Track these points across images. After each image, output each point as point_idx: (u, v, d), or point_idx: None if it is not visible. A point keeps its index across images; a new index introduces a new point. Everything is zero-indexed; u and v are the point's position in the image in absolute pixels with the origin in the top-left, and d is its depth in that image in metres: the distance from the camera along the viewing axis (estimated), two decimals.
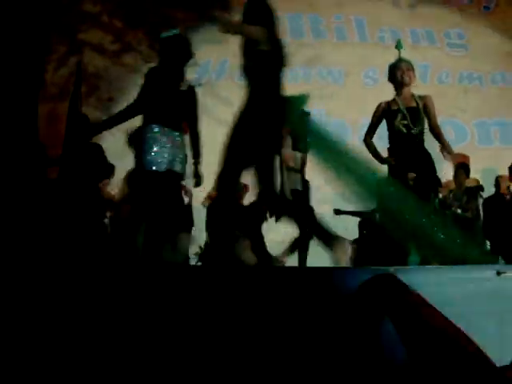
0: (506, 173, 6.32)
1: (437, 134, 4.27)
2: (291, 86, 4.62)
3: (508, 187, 6.22)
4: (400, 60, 4.43)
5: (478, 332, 2.54)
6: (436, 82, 7.94)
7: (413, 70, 4.40)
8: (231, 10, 7.70)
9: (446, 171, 6.80)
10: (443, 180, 6.50)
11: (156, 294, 2.40)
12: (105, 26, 7.48)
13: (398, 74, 4.31)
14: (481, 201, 6.28)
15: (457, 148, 7.53)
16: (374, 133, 4.53)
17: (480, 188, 6.31)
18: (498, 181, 6.34)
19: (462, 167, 6.49)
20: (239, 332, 2.38)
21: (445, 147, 4.21)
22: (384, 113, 4.40)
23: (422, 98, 4.36)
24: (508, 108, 7.85)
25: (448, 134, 7.70)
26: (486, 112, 7.82)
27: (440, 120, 7.66)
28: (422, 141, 4.32)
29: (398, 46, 4.50)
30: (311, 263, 5.32)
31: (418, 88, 7.71)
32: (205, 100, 7.40)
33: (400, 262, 4.62)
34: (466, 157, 7.11)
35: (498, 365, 2.55)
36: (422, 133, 4.32)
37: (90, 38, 7.38)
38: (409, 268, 2.73)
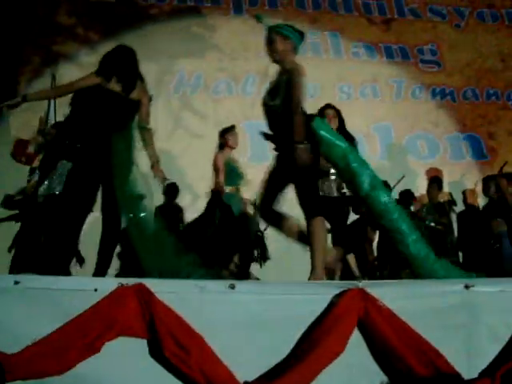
0: (476, 186, 6.41)
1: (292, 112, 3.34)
2: None
3: None
4: (267, 35, 3.66)
5: (447, 345, 2.57)
6: (410, 96, 8.05)
7: (282, 37, 3.56)
8: (212, 28, 7.77)
9: (419, 185, 6.90)
10: (416, 194, 6.60)
11: None
12: (80, 38, 7.45)
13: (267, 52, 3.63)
14: (453, 215, 6.36)
15: (429, 162, 7.68)
16: None
17: (452, 202, 6.38)
18: (464, 194, 6.43)
19: (435, 181, 6.57)
20: None
21: (294, 132, 3.32)
22: None
23: (288, 70, 3.49)
24: (479, 123, 8.00)
25: (420, 148, 7.87)
26: (458, 127, 7.96)
27: (413, 134, 7.87)
28: (283, 116, 3.41)
29: (259, 19, 3.84)
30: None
31: (391, 103, 7.87)
32: (180, 113, 7.46)
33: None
34: (438, 171, 7.22)
35: (466, 377, 2.58)
36: (281, 107, 3.43)
37: (65, 49, 7.34)
38: (378, 282, 2.75)
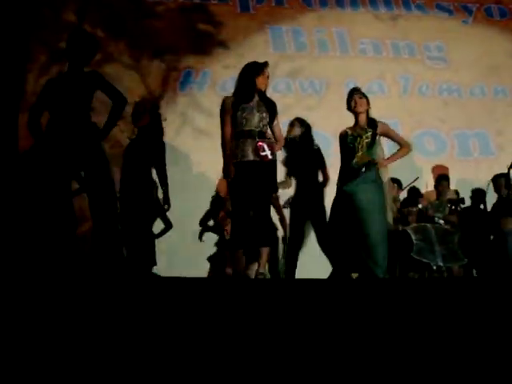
0: (485, 184, 6.38)
1: None
2: (273, 97, 4.68)
3: None
4: None
5: None
6: (417, 93, 8.01)
7: None
8: (220, 25, 7.75)
9: (427, 182, 6.87)
10: (423, 191, 6.58)
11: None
12: None
13: None
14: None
15: (436, 159, 7.64)
16: None
17: (461, 200, 6.35)
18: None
19: (445, 178, 6.54)
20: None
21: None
22: None
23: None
24: (487, 120, 7.95)
25: (427, 144, 7.83)
26: (465, 124, 7.91)
27: (420, 131, 7.82)
28: None
29: None
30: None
31: (398, 99, 7.82)
32: (186, 110, 7.45)
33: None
34: (445, 168, 7.20)
35: None
36: None
37: None
38: None
